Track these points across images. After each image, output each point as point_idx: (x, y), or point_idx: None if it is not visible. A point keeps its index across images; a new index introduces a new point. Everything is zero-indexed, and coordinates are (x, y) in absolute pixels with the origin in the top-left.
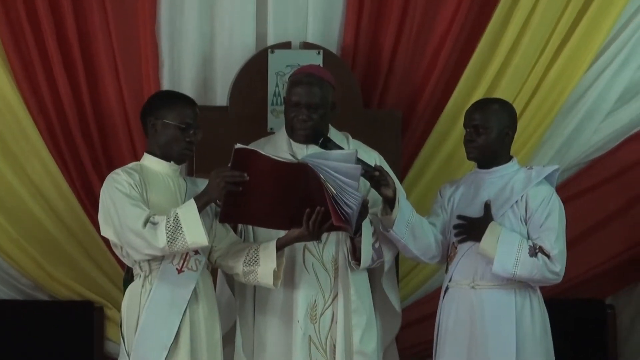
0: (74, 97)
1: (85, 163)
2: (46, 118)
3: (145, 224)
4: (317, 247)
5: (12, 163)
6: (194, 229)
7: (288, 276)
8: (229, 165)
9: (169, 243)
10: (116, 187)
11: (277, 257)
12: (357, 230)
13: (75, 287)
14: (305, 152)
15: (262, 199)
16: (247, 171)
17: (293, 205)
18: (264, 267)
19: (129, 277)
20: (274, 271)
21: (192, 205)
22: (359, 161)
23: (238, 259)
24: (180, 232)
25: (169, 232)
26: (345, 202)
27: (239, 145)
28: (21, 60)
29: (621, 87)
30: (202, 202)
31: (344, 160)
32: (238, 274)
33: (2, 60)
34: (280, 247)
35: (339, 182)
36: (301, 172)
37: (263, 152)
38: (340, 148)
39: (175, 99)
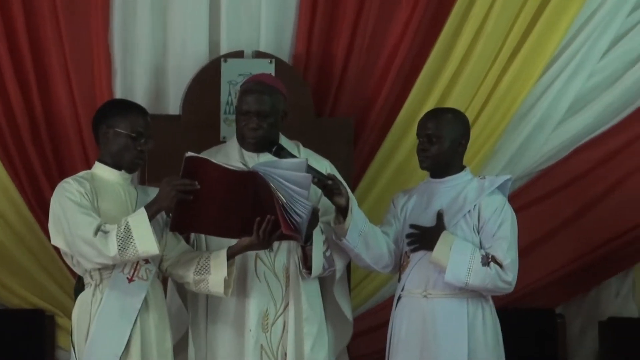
0: (25, 104)
1: (36, 170)
2: None
3: (96, 233)
4: (269, 255)
5: None
6: (145, 238)
7: (240, 285)
8: (180, 174)
9: (120, 252)
10: (67, 195)
11: (228, 266)
12: (308, 239)
13: (26, 295)
14: (256, 160)
15: (213, 208)
16: (198, 179)
17: (244, 214)
18: (215, 275)
19: (79, 285)
20: (225, 280)
21: (142, 213)
22: (310, 169)
23: (189, 268)
24: (131, 240)
25: (120, 241)
26: (295, 211)
27: (189, 154)
28: None
29: (571, 96)
30: (152, 211)
31: (295, 169)
32: (189, 283)
33: None
34: (231, 256)
35: (289, 191)
36: (251, 180)
37: (214, 160)
38: (293, 156)
39: (127, 107)
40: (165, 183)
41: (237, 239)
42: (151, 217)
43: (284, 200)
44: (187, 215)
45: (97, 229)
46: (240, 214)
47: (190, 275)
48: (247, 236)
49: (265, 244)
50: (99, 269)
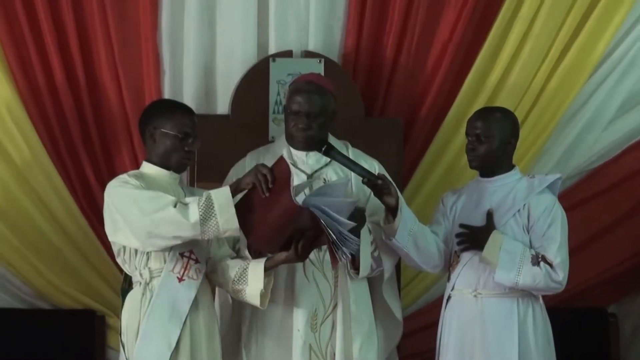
0: (75, 106)
1: (87, 172)
2: (48, 127)
3: (174, 206)
4: (318, 256)
5: (15, 172)
6: (227, 212)
7: (289, 285)
8: (270, 167)
9: (201, 222)
10: (126, 187)
11: (265, 276)
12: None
13: (77, 295)
14: (305, 160)
15: (268, 214)
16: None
17: (287, 233)
18: (252, 287)
19: (127, 285)
20: (261, 292)
21: (226, 189)
22: (360, 169)
23: (227, 277)
24: (212, 212)
25: (202, 211)
26: (342, 250)
27: (285, 159)
28: (23, 70)
29: (622, 95)
30: (233, 188)
31: (340, 192)
32: (228, 291)
33: (4, 69)
34: (268, 268)
35: (338, 227)
36: (304, 214)
37: (292, 181)
38: (343, 155)
39: (173, 108)
40: (256, 166)
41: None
42: (233, 194)
43: (334, 238)
44: (250, 209)
45: (175, 203)
46: (284, 232)
47: (229, 284)
48: (284, 251)
49: (301, 257)
50: (149, 268)
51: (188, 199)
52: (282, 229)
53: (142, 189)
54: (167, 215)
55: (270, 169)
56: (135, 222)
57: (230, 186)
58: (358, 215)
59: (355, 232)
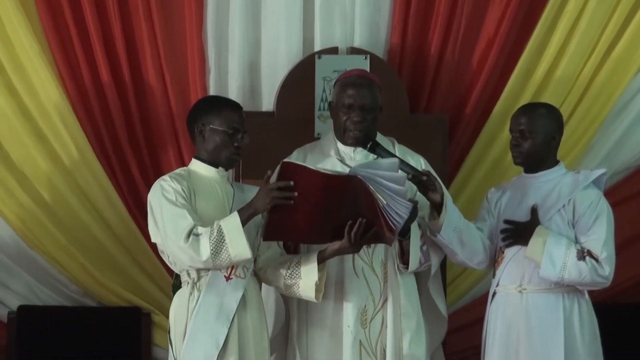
0: (121, 104)
1: (132, 170)
2: (94, 126)
3: (188, 237)
4: (367, 252)
5: (62, 171)
6: (238, 243)
7: (338, 282)
8: (276, 179)
9: (213, 256)
10: (163, 194)
11: (319, 270)
12: (406, 233)
13: (123, 293)
14: (352, 155)
15: (306, 215)
16: (293, 186)
17: (336, 219)
18: (306, 280)
19: (177, 282)
20: (316, 284)
21: (235, 218)
22: (405, 165)
23: (279, 273)
24: (223, 245)
25: (213, 245)
26: (395, 212)
27: (286, 161)
28: (70, 70)
29: None
30: (246, 215)
31: (388, 170)
32: (279, 287)
33: (51, 70)
34: (321, 260)
35: (388, 192)
36: (349, 184)
37: (310, 166)
38: (388, 152)
39: (222, 104)
40: (263, 190)
41: (327, 244)
42: (244, 222)
43: (385, 202)
44: (280, 223)
45: (189, 233)
46: (333, 219)
47: (280, 280)
48: (337, 240)
49: (356, 247)
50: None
51: (200, 230)
52: (325, 208)
53: (172, 203)
54: (180, 247)
55: (277, 180)
56: (163, 238)
57: (241, 213)
58: (412, 210)
59: (407, 225)
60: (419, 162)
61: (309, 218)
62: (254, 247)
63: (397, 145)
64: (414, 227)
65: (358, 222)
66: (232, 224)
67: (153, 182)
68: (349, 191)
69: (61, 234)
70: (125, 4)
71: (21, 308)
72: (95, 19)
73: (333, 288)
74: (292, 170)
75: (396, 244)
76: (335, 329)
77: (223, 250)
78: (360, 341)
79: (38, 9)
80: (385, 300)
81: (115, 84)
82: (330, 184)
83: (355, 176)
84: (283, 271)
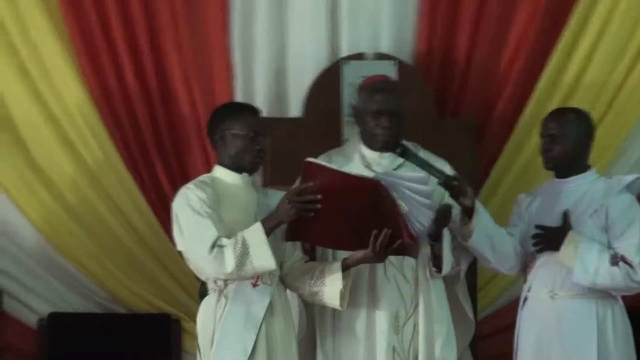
0: (147, 108)
1: (160, 176)
2: (120, 129)
3: (212, 249)
4: (398, 257)
5: (88, 175)
6: (262, 254)
7: (370, 288)
8: (300, 179)
9: (237, 268)
10: (188, 203)
11: (343, 277)
12: (438, 237)
13: (153, 300)
14: (378, 161)
15: (330, 218)
16: (317, 187)
17: (361, 225)
18: (331, 288)
19: (204, 289)
20: (341, 292)
21: (259, 229)
22: (436, 170)
23: (303, 280)
24: (247, 256)
25: (237, 258)
26: (417, 220)
27: (308, 159)
28: (95, 72)
29: None
30: (270, 226)
31: (416, 183)
32: (303, 294)
33: (76, 72)
34: (345, 268)
35: (411, 200)
36: (372, 188)
37: (334, 167)
38: (418, 157)
39: (239, 109)
40: (285, 199)
41: (351, 251)
42: (269, 232)
43: (407, 209)
44: (304, 224)
45: (214, 245)
46: (357, 225)
47: (305, 287)
48: (362, 249)
49: (380, 257)
50: None
51: (225, 241)
52: (349, 213)
53: (196, 213)
54: (205, 258)
55: (301, 180)
56: (187, 248)
57: (265, 224)
58: (445, 211)
59: (440, 230)
60: (445, 168)
61: (331, 222)
62: (279, 253)
63: (421, 151)
64: (446, 230)
65: (383, 232)
66: (256, 236)
67: (180, 187)
68: (369, 195)
69: (88, 239)
70: (150, 6)
71: (52, 315)
72: (120, 21)
73: (366, 294)
74: (315, 169)
75: (428, 248)
76: (367, 336)
77: (247, 262)
78: (394, 347)
79: (63, 15)
80: (417, 305)
81: (140, 87)
82: (353, 185)
83: (379, 181)
84: (307, 278)
